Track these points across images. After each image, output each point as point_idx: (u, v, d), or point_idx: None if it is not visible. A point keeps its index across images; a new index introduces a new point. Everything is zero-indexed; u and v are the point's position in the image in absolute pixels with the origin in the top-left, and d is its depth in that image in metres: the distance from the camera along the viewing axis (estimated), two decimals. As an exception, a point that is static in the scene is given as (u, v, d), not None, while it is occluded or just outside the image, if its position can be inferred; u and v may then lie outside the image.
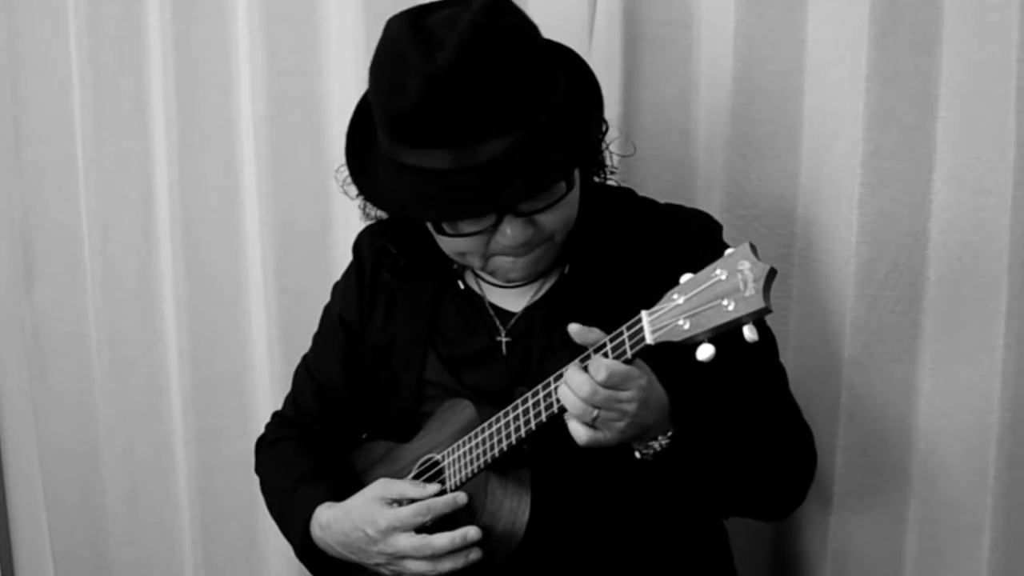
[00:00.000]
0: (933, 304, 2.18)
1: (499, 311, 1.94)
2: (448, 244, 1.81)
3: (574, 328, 1.65)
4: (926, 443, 2.21)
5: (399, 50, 1.67)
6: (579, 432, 1.64)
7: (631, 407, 1.63)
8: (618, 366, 1.60)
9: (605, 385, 1.60)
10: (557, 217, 1.77)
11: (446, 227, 1.76)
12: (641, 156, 2.25)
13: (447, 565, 1.79)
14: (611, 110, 2.20)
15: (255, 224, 2.41)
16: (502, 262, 1.81)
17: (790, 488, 1.90)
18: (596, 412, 1.62)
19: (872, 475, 2.23)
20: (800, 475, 1.91)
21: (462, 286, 1.97)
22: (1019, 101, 2.10)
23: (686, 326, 1.53)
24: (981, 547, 2.20)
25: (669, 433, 1.70)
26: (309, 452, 2.06)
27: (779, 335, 2.19)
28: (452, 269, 1.97)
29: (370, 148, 1.79)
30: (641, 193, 2.02)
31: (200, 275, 2.46)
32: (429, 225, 1.81)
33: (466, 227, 1.75)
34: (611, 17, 2.21)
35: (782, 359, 2.17)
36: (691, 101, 2.24)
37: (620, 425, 1.64)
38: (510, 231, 1.73)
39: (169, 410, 2.56)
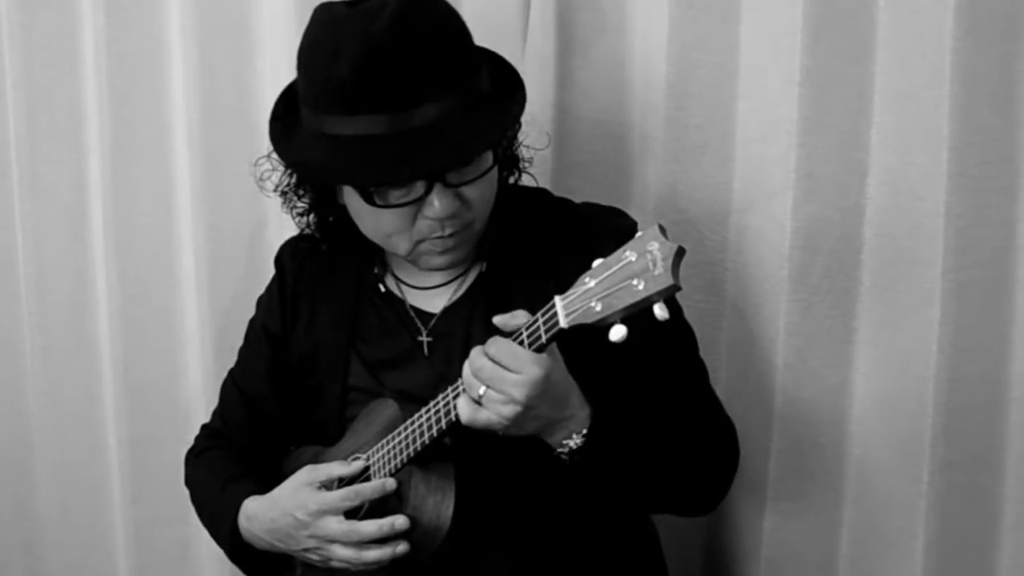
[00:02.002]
0: (867, 309, 2.19)
1: (419, 312, 1.96)
2: (375, 222, 1.83)
3: (499, 319, 1.68)
4: (860, 448, 2.22)
5: (335, 23, 1.74)
6: (462, 406, 1.67)
7: (519, 392, 1.63)
8: (509, 344, 1.64)
9: (492, 359, 1.64)
10: (481, 193, 1.81)
11: (376, 198, 1.78)
12: (575, 160, 2.25)
13: (373, 555, 1.80)
14: (545, 114, 2.21)
15: (188, 229, 2.39)
16: (428, 246, 1.84)
17: (712, 483, 1.91)
18: (483, 388, 1.64)
19: (806, 480, 2.24)
20: (722, 469, 1.91)
21: (383, 289, 1.98)
22: (952, 107, 2.11)
23: (598, 308, 1.56)
24: (915, 551, 2.21)
25: (584, 432, 1.71)
26: (238, 459, 2.07)
27: (712, 340, 2.21)
28: (373, 273, 1.99)
29: (293, 129, 1.83)
30: (576, 198, 2.02)
31: (133, 280, 2.43)
32: (355, 200, 1.82)
33: (395, 196, 1.78)
34: (544, 21, 2.21)
35: (716, 364, 2.19)
36: (625, 106, 2.23)
37: (506, 410, 1.65)
38: (438, 202, 1.76)
39: (103, 415, 2.53)
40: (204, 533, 2.12)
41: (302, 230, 2.01)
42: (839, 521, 2.24)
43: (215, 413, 2.15)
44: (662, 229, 1.54)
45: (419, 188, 1.77)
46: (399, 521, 1.79)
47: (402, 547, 1.80)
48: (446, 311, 1.94)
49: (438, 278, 1.95)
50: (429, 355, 1.94)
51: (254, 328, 2.10)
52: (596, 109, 2.24)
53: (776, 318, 2.17)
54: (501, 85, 1.82)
